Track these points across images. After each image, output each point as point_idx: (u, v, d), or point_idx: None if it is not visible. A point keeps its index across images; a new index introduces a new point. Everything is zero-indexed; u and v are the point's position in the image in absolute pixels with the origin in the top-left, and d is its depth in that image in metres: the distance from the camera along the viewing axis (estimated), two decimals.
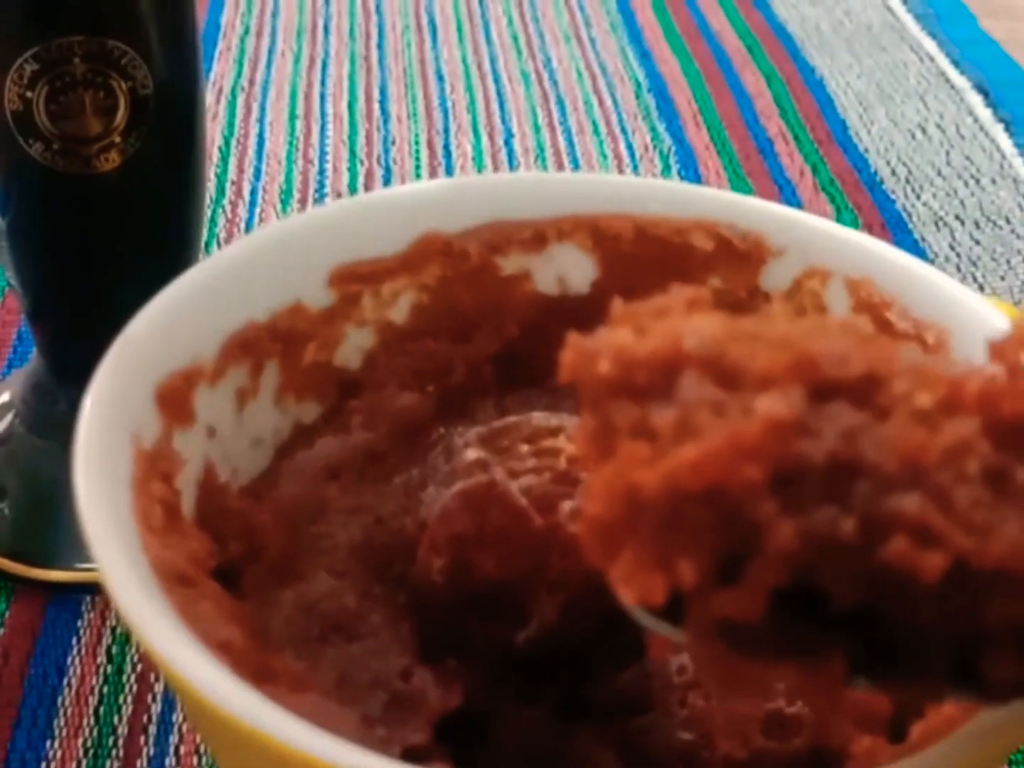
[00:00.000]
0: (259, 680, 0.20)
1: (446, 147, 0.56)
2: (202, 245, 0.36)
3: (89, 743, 0.31)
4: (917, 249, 0.50)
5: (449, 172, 0.54)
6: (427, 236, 0.28)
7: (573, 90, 0.61)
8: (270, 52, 0.64)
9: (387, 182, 0.54)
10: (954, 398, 0.16)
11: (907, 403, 0.16)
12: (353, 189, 0.53)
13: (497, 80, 0.62)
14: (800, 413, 0.16)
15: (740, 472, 0.16)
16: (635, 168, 0.55)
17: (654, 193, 0.30)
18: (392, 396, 0.28)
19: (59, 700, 0.32)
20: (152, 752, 0.31)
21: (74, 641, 0.33)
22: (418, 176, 0.54)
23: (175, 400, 0.24)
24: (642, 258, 0.29)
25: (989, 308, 0.26)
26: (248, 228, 0.50)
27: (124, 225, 0.33)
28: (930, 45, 0.67)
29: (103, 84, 0.30)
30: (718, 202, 0.29)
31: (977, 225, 0.52)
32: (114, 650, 0.33)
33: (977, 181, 0.55)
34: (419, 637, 0.23)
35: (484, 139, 0.57)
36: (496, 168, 0.55)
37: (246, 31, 0.66)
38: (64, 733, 0.31)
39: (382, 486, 0.26)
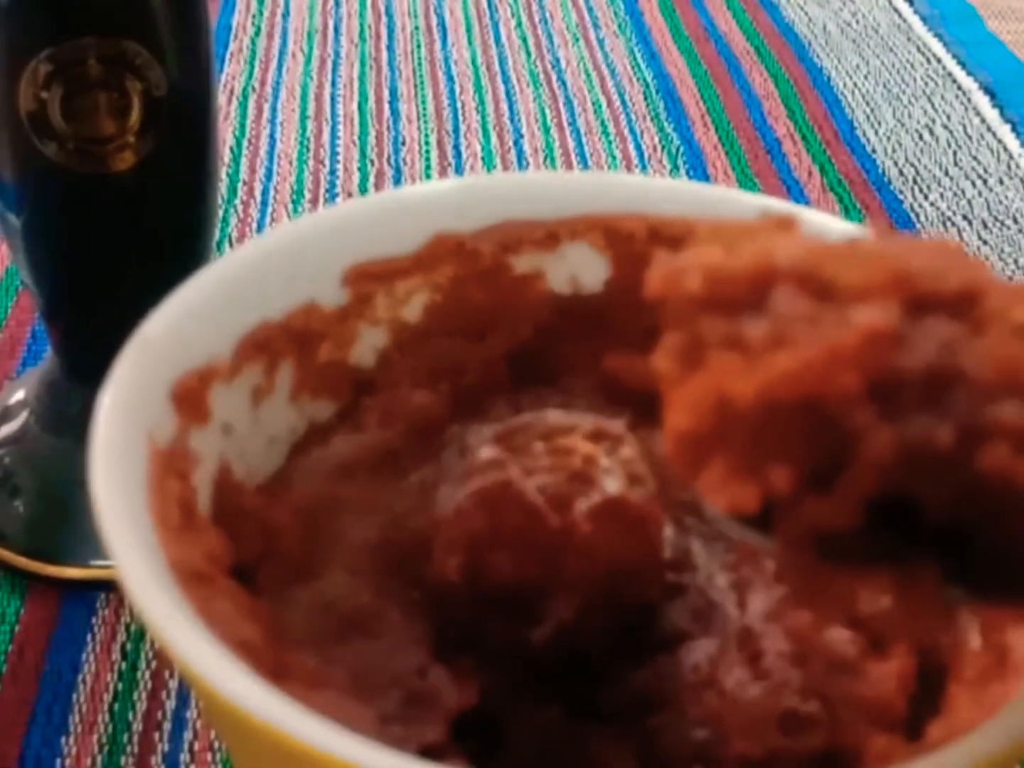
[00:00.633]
0: (277, 678, 0.20)
1: (456, 147, 0.57)
2: (215, 245, 0.36)
3: (104, 739, 0.31)
4: None
5: (459, 172, 0.55)
6: (440, 236, 0.28)
7: (582, 91, 0.62)
8: (281, 53, 0.65)
9: (397, 182, 0.54)
10: None
11: (1004, 318, 0.16)
12: (364, 189, 0.53)
13: (506, 81, 0.62)
14: (898, 325, 0.16)
15: (838, 382, 0.16)
16: (644, 168, 0.55)
17: (667, 192, 0.30)
18: (406, 395, 0.27)
19: (74, 697, 0.32)
20: (166, 748, 0.31)
21: (89, 638, 0.33)
22: (428, 176, 0.54)
23: (191, 398, 0.24)
24: (655, 257, 0.29)
25: None
26: (260, 228, 0.51)
27: (138, 225, 0.33)
28: (937, 46, 0.67)
29: (118, 85, 0.30)
30: (732, 203, 0.29)
31: (985, 225, 0.52)
32: (129, 647, 0.33)
33: (984, 181, 0.55)
34: (434, 635, 0.23)
35: (494, 139, 0.57)
36: (506, 168, 0.55)
37: (257, 33, 0.67)
38: (79, 729, 0.31)
39: (397, 484, 0.26)
